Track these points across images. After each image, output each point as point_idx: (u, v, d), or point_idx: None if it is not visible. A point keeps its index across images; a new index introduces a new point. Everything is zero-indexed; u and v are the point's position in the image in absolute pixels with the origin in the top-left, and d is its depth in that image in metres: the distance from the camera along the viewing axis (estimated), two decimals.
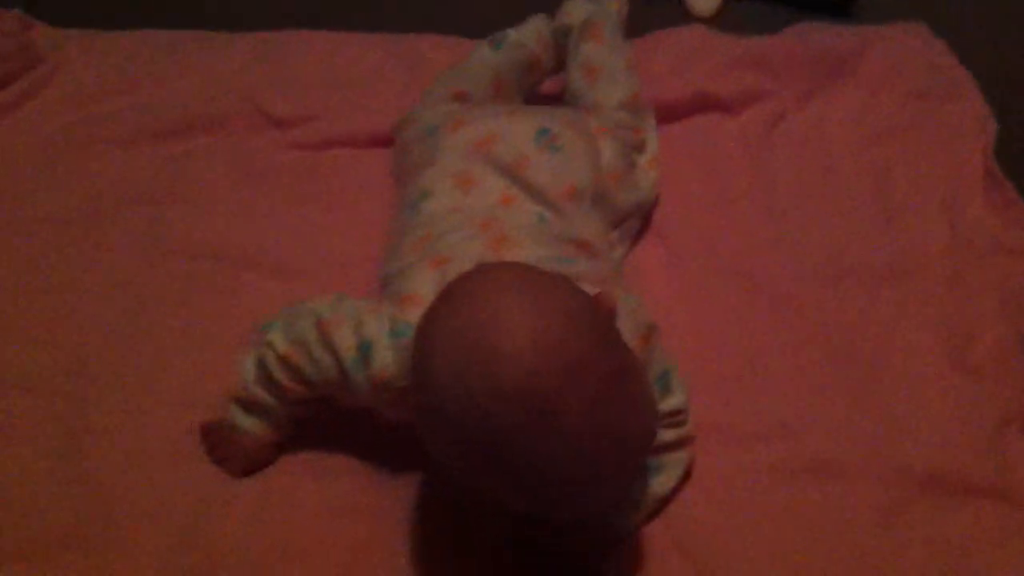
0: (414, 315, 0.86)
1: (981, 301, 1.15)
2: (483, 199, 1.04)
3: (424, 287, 0.91)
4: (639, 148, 1.22)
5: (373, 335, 0.90)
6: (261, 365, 0.95)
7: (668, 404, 0.93)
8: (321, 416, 1.00)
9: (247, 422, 0.98)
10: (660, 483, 0.95)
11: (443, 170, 1.07)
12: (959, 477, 0.99)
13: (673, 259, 1.20)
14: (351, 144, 1.31)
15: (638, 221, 1.20)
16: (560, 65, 1.30)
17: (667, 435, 0.94)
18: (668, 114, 1.33)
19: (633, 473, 0.86)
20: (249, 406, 0.98)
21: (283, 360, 0.94)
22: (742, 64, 1.38)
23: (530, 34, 1.27)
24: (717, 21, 1.55)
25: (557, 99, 1.32)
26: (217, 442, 1.00)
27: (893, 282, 1.17)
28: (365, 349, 0.90)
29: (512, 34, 1.26)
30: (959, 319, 1.13)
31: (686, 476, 0.97)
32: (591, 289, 0.82)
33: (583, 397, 0.73)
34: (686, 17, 1.57)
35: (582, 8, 1.30)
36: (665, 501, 0.96)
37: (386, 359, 0.89)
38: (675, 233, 1.22)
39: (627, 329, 0.84)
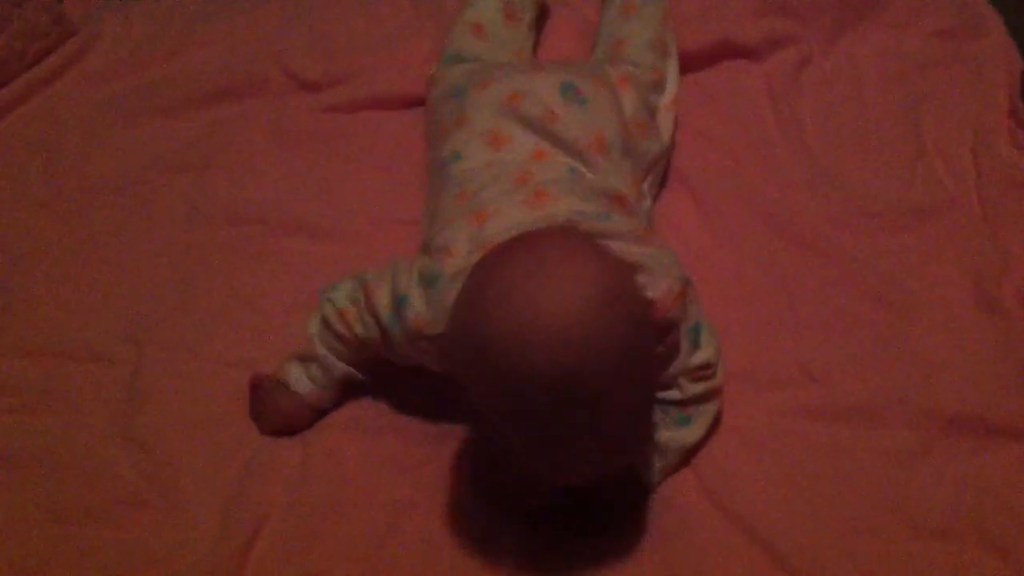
0: (448, 264, 0.90)
1: (1009, 240, 1.16)
2: (515, 154, 1.06)
3: (460, 240, 0.94)
4: (658, 89, 1.23)
5: (404, 287, 0.94)
6: (324, 321, 1.01)
7: (697, 358, 0.96)
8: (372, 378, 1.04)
9: (300, 379, 1.02)
10: (689, 433, 0.97)
11: (473, 129, 1.09)
12: (986, 418, 1.00)
13: (702, 205, 1.22)
14: (382, 105, 1.34)
15: (662, 169, 1.22)
16: None
17: (696, 388, 0.96)
18: (693, 62, 1.34)
19: (643, 443, 0.91)
20: (306, 359, 1.02)
21: (341, 314, 0.99)
22: (768, 9, 1.38)
23: None
24: None
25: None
26: (258, 397, 1.03)
27: (922, 222, 1.19)
28: (399, 302, 0.94)
29: None
30: (987, 258, 1.14)
31: (715, 425, 1.00)
32: (628, 248, 0.85)
33: (617, 391, 0.78)
34: None
35: None
36: (694, 450, 0.98)
37: (419, 307, 0.93)
38: (703, 179, 1.24)
39: (663, 286, 0.87)
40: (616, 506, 0.96)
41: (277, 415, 1.02)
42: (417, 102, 1.30)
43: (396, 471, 1.00)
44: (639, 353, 0.80)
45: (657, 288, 0.89)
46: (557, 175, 1.03)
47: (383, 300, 0.96)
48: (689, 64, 1.34)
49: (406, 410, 1.04)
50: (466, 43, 1.27)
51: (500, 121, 1.08)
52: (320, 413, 1.04)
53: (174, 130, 1.33)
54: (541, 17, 1.39)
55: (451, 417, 1.02)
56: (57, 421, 1.04)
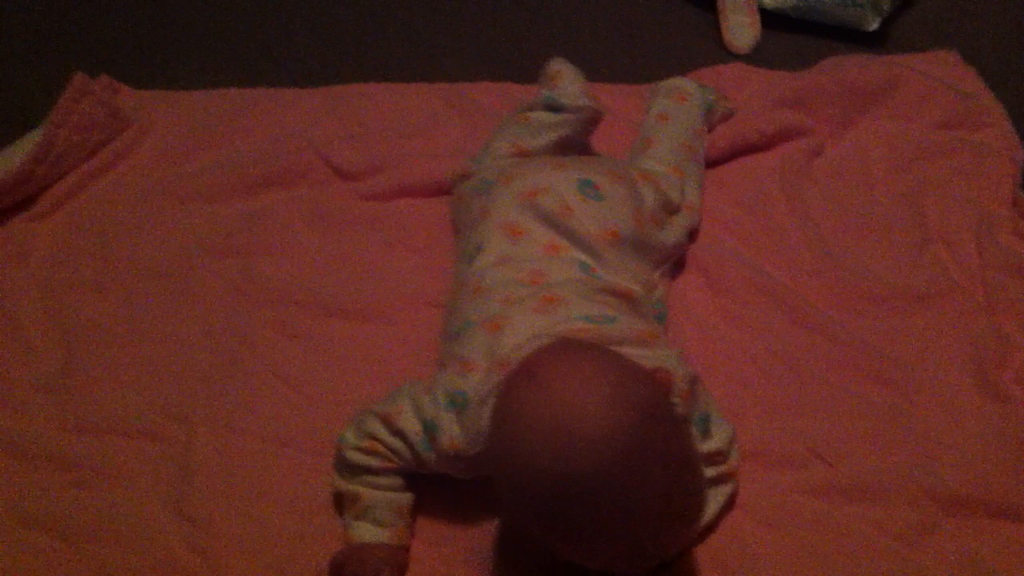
0: (471, 380, 0.97)
1: (1010, 326, 1.21)
2: (530, 248, 1.12)
3: (478, 353, 1.01)
4: (679, 189, 1.30)
5: (432, 413, 0.98)
6: (354, 467, 1.02)
7: (708, 447, 1.01)
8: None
9: (374, 532, 1.02)
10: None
11: (494, 222, 1.16)
12: (987, 500, 1.04)
13: (715, 287, 1.28)
14: (415, 193, 1.41)
15: (675, 259, 1.28)
16: None
17: (708, 472, 1.00)
18: (710, 161, 1.42)
19: (688, 540, 0.95)
20: (366, 513, 1.02)
21: (367, 451, 1.02)
22: (780, 104, 1.46)
23: (578, 92, 1.34)
24: (754, 56, 1.63)
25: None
26: (357, 567, 1.00)
27: (927, 307, 1.24)
28: (430, 429, 0.98)
29: (566, 99, 1.32)
30: (988, 344, 1.19)
31: (728, 506, 1.04)
32: (634, 352, 0.91)
33: (649, 482, 0.83)
34: (725, 53, 1.65)
35: (683, 80, 1.44)
36: (708, 529, 1.03)
37: (453, 431, 0.97)
38: (717, 263, 1.30)
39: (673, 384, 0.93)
40: None
41: (386, 570, 1.00)
42: (447, 191, 1.37)
43: (431, 545, 1.04)
44: (661, 431, 0.85)
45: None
46: (567, 275, 1.09)
47: (412, 427, 0.99)
48: (708, 162, 1.41)
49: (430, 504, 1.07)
50: (502, 160, 1.30)
51: (520, 214, 1.15)
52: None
53: (219, 216, 1.39)
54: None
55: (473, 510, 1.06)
56: (111, 496, 1.09)
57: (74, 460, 1.13)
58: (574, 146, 1.35)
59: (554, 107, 1.32)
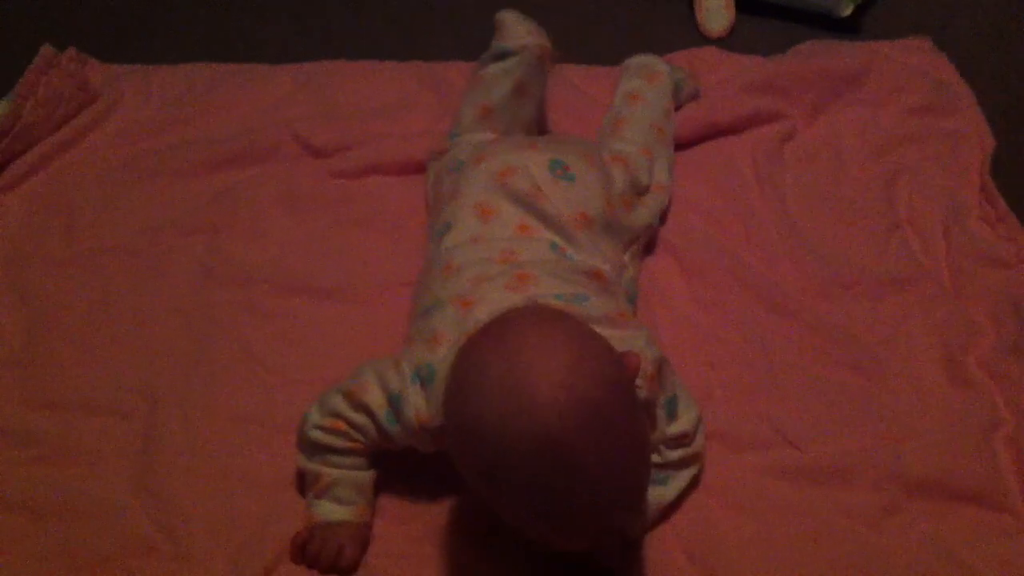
0: (437, 355, 0.96)
1: (975, 311, 1.23)
2: (501, 229, 1.12)
3: (448, 327, 1.00)
4: (648, 169, 1.30)
5: (398, 387, 0.98)
6: (317, 447, 1.02)
7: (673, 429, 1.02)
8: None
9: (336, 510, 1.02)
10: (665, 491, 1.03)
11: (465, 201, 1.15)
12: (949, 482, 1.06)
13: (687, 271, 1.29)
14: (386, 171, 1.40)
15: (646, 241, 1.28)
16: None
17: (674, 454, 1.02)
18: (684, 139, 1.42)
19: (632, 510, 0.94)
20: (328, 491, 1.02)
21: (330, 430, 1.01)
22: (753, 89, 1.46)
23: (523, 32, 1.33)
24: (729, 41, 1.63)
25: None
26: (319, 544, 1.01)
27: (895, 292, 1.26)
28: (395, 402, 0.98)
29: (509, 42, 1.33)
30: (955, 329, 1.21)
31: (692, 486, 1.05)
32: (604, 332, 0.90)
33: (600, 451, 0.81)
34: (700, 37, 1.66)
35: (652, 58, 1.43)
36: (671, 507, 1.04)
37: (418, 404, 0.97)
38: (688, 247, 1.31)
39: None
40: (605, 560, 1.01)
41: (349, 547, 1.01)
42: (419, 169, 1.37)
43: (395, 523, 1.05)
44: (617, 411, 0.83)
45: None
46: (538, 254, 1.09)
47: (376, 400, 0.99)
48: (680, 143, 1.41)
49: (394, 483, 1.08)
50: (472, 125, 1.32)
51: (490, 195, 1.15)
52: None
53: (188, 193, 1.38)
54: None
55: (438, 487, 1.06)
56: (75, 472, 1.08)
57: (38, 436, 1.12)
58: (534, 92, 1.35)
59: (501, 54, 1.32)
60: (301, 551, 1.01)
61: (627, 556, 1.01)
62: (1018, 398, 1.13)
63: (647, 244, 1.29)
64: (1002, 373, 1.16)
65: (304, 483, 1.05)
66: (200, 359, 1.19)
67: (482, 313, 0.95)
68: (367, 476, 1.03)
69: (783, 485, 1.07)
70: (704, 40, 1.64)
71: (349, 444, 1.01)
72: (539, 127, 1.42)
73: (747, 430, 1.11)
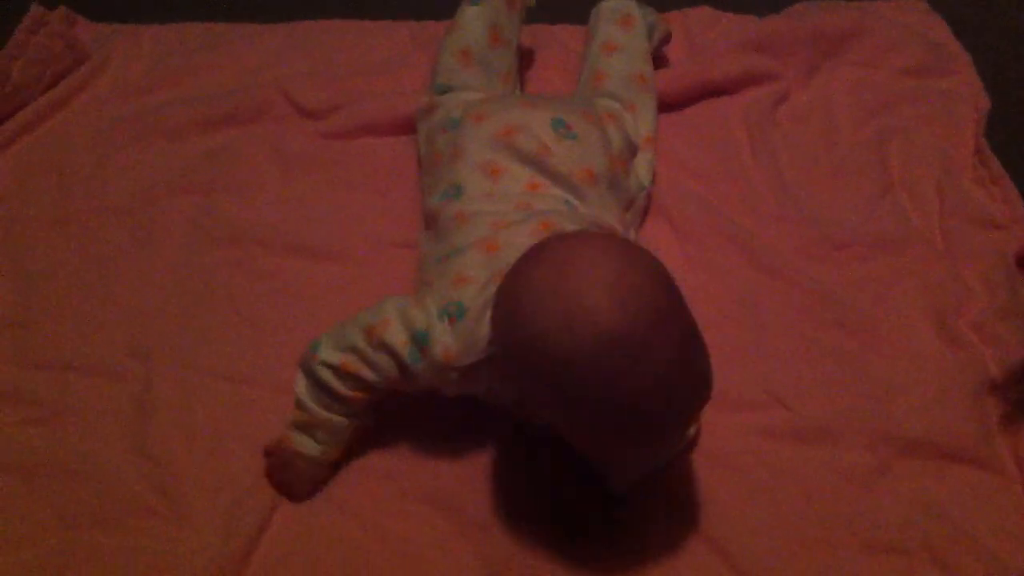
0: (467, 293, 0.96)
1: (967, 273, 1.23)
2: (511, 186, 1.12)
3: (475, 269, 0.99)
4: (635, 124, 1.30)
5: (424, 324, 0.96)
6: (317, 383, 1.00)
7: None
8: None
9: (308, 445, 1.02)
10: None
11: (470, 162, 1.15)
12: (940, 443, 1.06)
13: (680, 232, 1.28)
14: (379, 132, 1.39)
15: (644, 201, 1.28)
16: None
17: None
18: (676, 100, 1.41)
19: (697, 414, 0.97)
20: (309, 427, 1.02)
21: (340, 370, 0.99)
22: (747, 48, 1.46)
23: None
24: (722, 0, 1.61)
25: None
26: (278, 466, 1.04)
27: (887, 253, 1.25)
28: (420, 339, 0.96)
29: None
30: (946, 290, 1.21)
31: (690, 447, 1.06)
32: None
33: (668, 343, 0.84)
34: None
35: (624, 1, 1.40)
36: (667, 468, 1.05)
37: (446, 341, 0.95)
38: (681, 208, 1.30)
39: None
40: (585, 513, 1.02)
41: (301, 480, 1.03)
42: (412, 129, 1.36)
43: (392, 475, 1.05)
44: (671, 302, 0.87)
45: None
46: (554, 206, 1.09)
47: (399, 338, 0.97)
48: (671, 102, 1.41)
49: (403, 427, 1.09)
50: (455, 71, 1.32)
51: (496, 154, 1.14)
52: (337, 464, 1.06)
53: (180, 153, 1.38)
54: (527, 52, 1.46)
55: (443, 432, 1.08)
56: (69, 432, 1.09)
57: (32, 397, 1.12)
58: (509, 38, 1.36)
59: (473, 1, 1.35)
60: (266, 459, 1.04)
61: (616, 508, 1.02)
62: (1009, 359, 1.13)
63: (644, 208, 1.29)
64: (993, 335, 1.16)
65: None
66: (193, 319, 1.19)
67: (510, 254, 0.95)
68: (349, 425, 1.02)
69: (775, 445, 1.07)
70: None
71: (352, 392, 1.00)
72: (520, 83, 1.42)
73: (738, 391, 1.12)
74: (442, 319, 0.97)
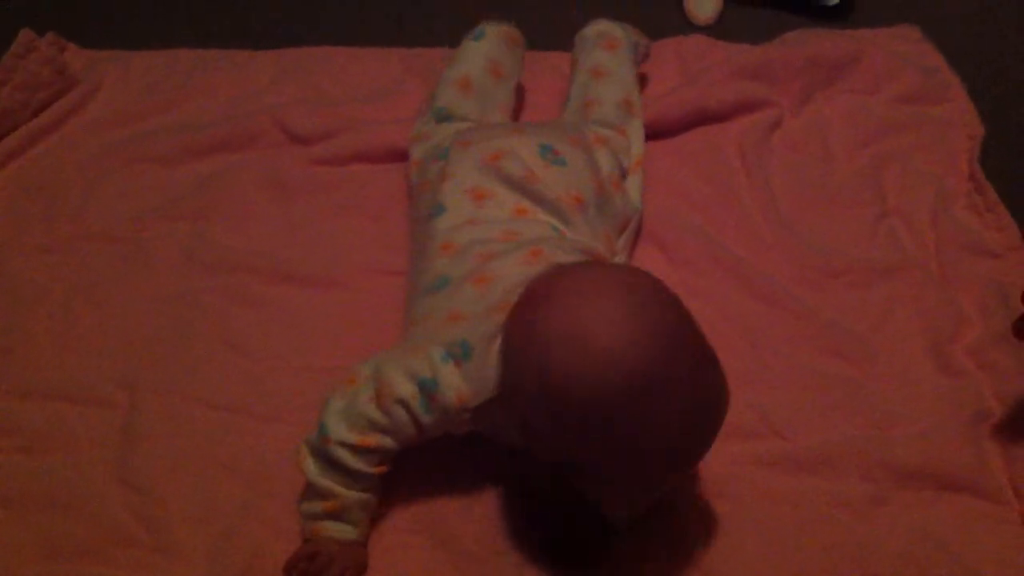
0: (463, 330, 0.95)
1: (963, 301, 1.22)
2: (497, 211, 1.11)
3: (468, 305, 0.98)
4: (625, 150, 1.30)
5: (429, 371, 0.93)
6: (334, 465, 0.95)
7: None
8: None
9: (345, 529, 0.97)
10: None
11: (457, 185, 1.14)
12: (938, 472, 1.05)
13: (674, 259, 1.28)
14: (371, 159, 1.39)
15: (635, 226, 1.27)
16: None
17: None
18: (670, 127, 1.41)
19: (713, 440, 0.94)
20: (340, 512, 0.96)
21: (358, 447, 0.94)
22: (741, 75, 1.46)
23: (495, 23, 1.40)
24: (717, 28, 1.62)
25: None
26: (325, 564, 0.95)
27: (882, 281, 1.24)
28: (428, 387, 0.93)
29: (485, 25, 1.39)
30: (943, 318, 1.19)
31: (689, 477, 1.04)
32: None
33: (688, 367, 0.84)
34: (687, 24, 1.65)
35: (607, 24, 1.41)
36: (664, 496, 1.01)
37: (457, 383, 0.93)
38: (675, 235, 1.29)
39: None
40: (584, 545, 1.00)
41: (355, 561, 0.98)
42: (404, 156, 1.34)
43: (388, 512, 1.02)
44: (686, 329, 0.87)
45: None
46: (542, 233, 1.08)
47: (409, 391, 0.93)
48: (666, 128, 1.40)
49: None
50: (453, 99, 1.32)
51: (482, 178, 1.13)
52: None
53: (170, 180, 1.37)
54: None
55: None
56: (54, 462, 1.07)
57: (17, 426, 1.10)
58: (508, 74, 1.38)
59: (475, 35, 1.38)
60: (304, 566, 0.95)
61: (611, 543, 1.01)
62: (1005, 388, 1.12)
63: (636, 232, 1.28)
64: (990, 362, 1.15)
65: (307, 493, 0.99)
66: (182, 346, 1.18)
67: (506, 285, 0.94)
68: (374, 499, 0.98)
69: (771, 474, 1.06)
70: (692, 27, 1.63)
71: (372, 469, 0.95)
72: (516, 118, 1.42)
73: (734, 419, 1.06)
74: (446, 362, 0.94)
